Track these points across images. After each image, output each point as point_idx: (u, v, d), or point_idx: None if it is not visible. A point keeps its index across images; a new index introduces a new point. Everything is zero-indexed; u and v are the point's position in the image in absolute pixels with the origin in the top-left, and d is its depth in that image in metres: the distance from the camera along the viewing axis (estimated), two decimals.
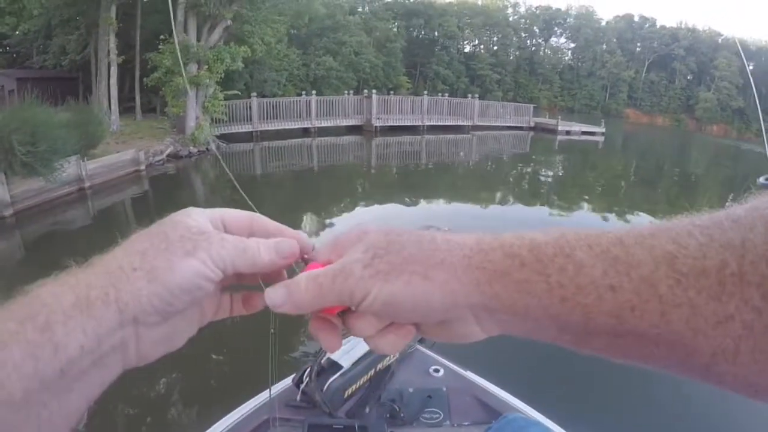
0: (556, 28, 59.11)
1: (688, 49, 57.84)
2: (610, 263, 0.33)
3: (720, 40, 59.80)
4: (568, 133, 28.42)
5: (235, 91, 19.51)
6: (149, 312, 0.39)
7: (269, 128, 19.75)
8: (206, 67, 16.62)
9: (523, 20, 59.42)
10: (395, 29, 47.62)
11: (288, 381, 1.84)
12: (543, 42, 60.06)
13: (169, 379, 4.60)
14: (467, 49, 55.78)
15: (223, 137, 18.22)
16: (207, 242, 0.42)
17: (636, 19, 61.56)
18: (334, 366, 1.73)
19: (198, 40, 16.74)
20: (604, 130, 29.15)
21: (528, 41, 59.81)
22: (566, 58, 60.04)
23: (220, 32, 17.32)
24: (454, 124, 24.26)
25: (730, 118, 56.40)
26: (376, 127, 21.50)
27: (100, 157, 12.59)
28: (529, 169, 18.71)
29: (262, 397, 1.77)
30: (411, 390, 1.81)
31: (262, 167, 16.65)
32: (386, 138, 20.89)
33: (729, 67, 55.38)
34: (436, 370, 1.95)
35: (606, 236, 0.35)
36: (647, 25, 61.10)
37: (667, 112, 57.79)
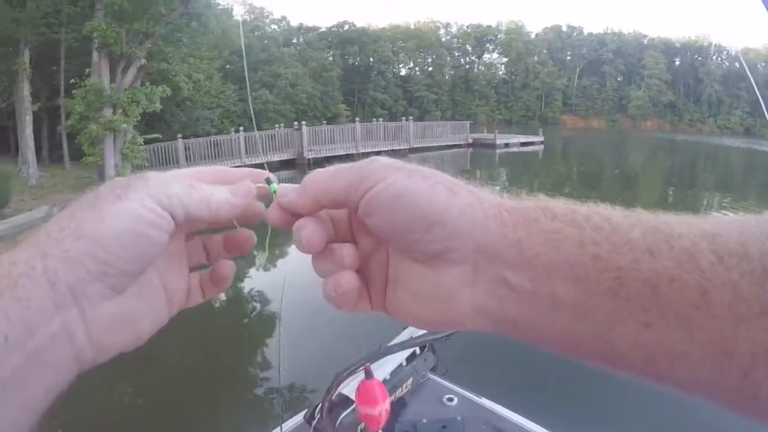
0: (488, 45, 61.39)
1: (616, 52, 61.20)
2: (649, 230, 0.29)
3: (646, 41, 62.43)
4: (507, 145, 28.18)
5: (156, 135, 18.61)
6: (86, 278, 0.31)
7: None
8: (120, 111, 15.65)
9: (456, 39, 61.53)
10: (331, 58, 48.32)
11: (299, 417, 1.77)
12: (476, 59, 62.03)
13: (175, 414, 4.27)
14: (403, 72, 57.21)
15: None
16: (143, 182, 0.34)
17: (564, 29, 65.12)
18: (346, 401, 1.61)
19: (112, 82, 15.75)
20: (542, 138, 29.65)
21: (462, 60, 61.74)
22: (500, 72, 62.20)
23: (134, 72, 16.47)
24: (391, 149, 23.67)
25: (662, 112, 59.70)
26: (309, 159, 20.69)
27: (11, 217, 11.40)
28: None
29: None
30: (425, 421, 1.73)
31: None
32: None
33: (657, 65, 58.44)
34: (450, 399, 1.89)
35: (638, 211, 0.32)
36: (575, 34, 64.54)
37: (602, 114, 60.56)
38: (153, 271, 0.37)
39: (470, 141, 27.77)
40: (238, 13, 27.50)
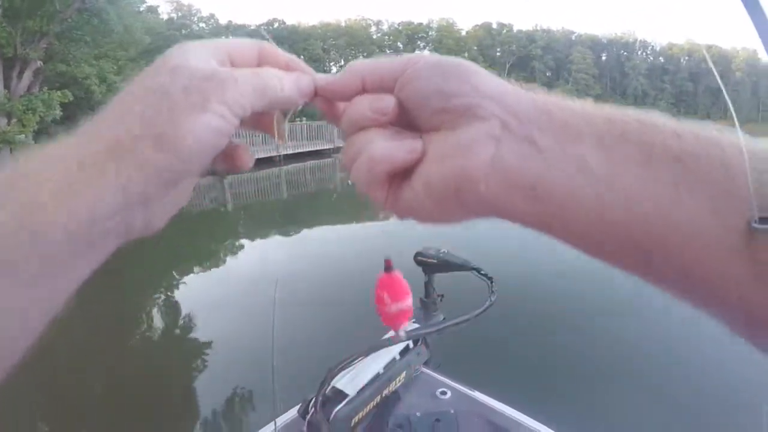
0: (419, 42, 62.34)
1: (544, 48, 63.46)
2: (672, 119, 0.31)
3: (573, 37, 64.16)
4: None
5: None
6: (159, 186, 0.33)
7: None
8: (15, 120, 14.27)
9: (387, 37, 62.12)
10: None
11: (293, 412, 1.72)
12: None
13: (168, 415, 4.31)
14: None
15: None
16: (219, 88, 0.34)
17: (494, 26, 66.83)
18: (340, 394, 1.52)
19: (6, 88, 14.37)
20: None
21: None
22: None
23: (30, 77, 15.12)
24: (314, 149, 22.93)
25: None
26: None
27: None
28: None
29: (268, 429, 1.67)
30: (418, 414, 1.71)
31: None
32: (239, 176, 19.10)
33: (584, 60, 60.57)
34: (443, 393, 1.84)
35: None
36: (505, 31, 66.59)
37: None
38: None
39: None
40: (165, 11, 26.27)
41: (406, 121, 0.36)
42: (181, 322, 6.04)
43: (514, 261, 6.97)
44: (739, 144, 0.27)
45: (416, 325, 1.65)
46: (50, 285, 0.31)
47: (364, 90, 0.37)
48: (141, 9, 22.17)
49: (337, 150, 23.51)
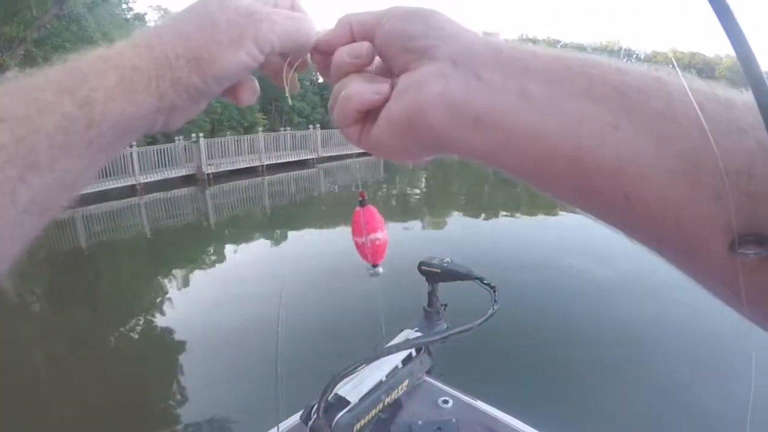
0: None
1: None
2: (620, 60, 0.32)
3: (559, 46, 64.06)
4: None
5: None
6: (185, 100, 0.40)
7: (87, 191, 16.56)
8: None
9: None
10: None
11: (296, 418, 1.67)
12: None
13: (170, 421, 4.37)
14: (321, 79, 54.71)
15: None
16: (255, 27, 0.41)
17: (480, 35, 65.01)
18: (342, 401, 1.54)
19: None
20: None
21: None
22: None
23: None
24: (297, 159, 22.80)
25: None
26: (208, 174, 19.11)
27: None
28: (391, 191, 18.42)
29: None
30: (420, 423, 1.72)
31: (87, 238, 13.21)
32: (222, 186, 18.76)
33: None
34: (445, 401, 1.83)
35: None
36: None
37: None
38: None
39: None
40: (152, 19, 25.97)
41: (388, 69, 0.39)
42: (179, 327, 6.04)
43: (518, 270, 6.94)
44: (682, 81, 0.28)
45: (419, 334, 1.68)
46: (89, 165, 0.37)
47: (353, 40, 0.40)
48: (128, 17, 21.84)
49: (320, 160, 23.19)
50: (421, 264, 1.62)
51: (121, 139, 0.39)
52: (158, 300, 7.18)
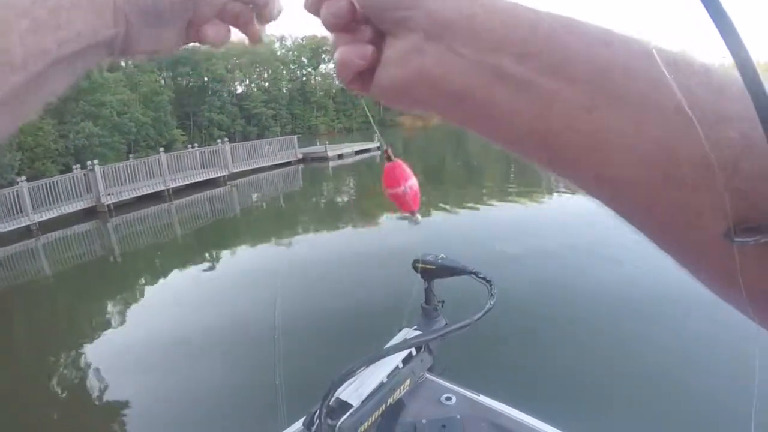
0: (323, 55, 61.58)
1: None
2: (609, 28, 0.31)
3: None
4: (340, 156, 27.51)
5: None
6: (136, 13, 0.43)
7: None
8: None
9: (291, 53, 61.25)
10: (162, 81, 45.21)
11: (299, 424, 1.74)
12: (313, 70, 62.14)
13: (175, 425, 4.41)
14: (239, 90, 54.70)
15: None
16: None
17: None
18: (344, 405, 1.58)
19: None
20: (378, 144, 27.92)
21: (298, 72, 61.43)
22: (337, 82, 61.23)
23: None
24: (206, 178, 21.06)
25: None
26: (108, 205, 17.20)
27: None
28: (302, 205, 17.42)
29: None
30: (424, 422, 1.71)
31: None
32: (125, 216, 16.97)
33: None
34: (448, 399, 1.84)
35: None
36: None
37: None
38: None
39: (300, 156, 26.57)
40: None
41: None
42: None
43: (516, 263, 7.01)
44: (674, 57, 0.27)
45: (418, 332, 1.67)
46: (56, 72, 0.41)
47: None
48: None
49: (232, 176, 21.81)
50: (415, 261, 1.60)
51: (78, 55, 0.41)
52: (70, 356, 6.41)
